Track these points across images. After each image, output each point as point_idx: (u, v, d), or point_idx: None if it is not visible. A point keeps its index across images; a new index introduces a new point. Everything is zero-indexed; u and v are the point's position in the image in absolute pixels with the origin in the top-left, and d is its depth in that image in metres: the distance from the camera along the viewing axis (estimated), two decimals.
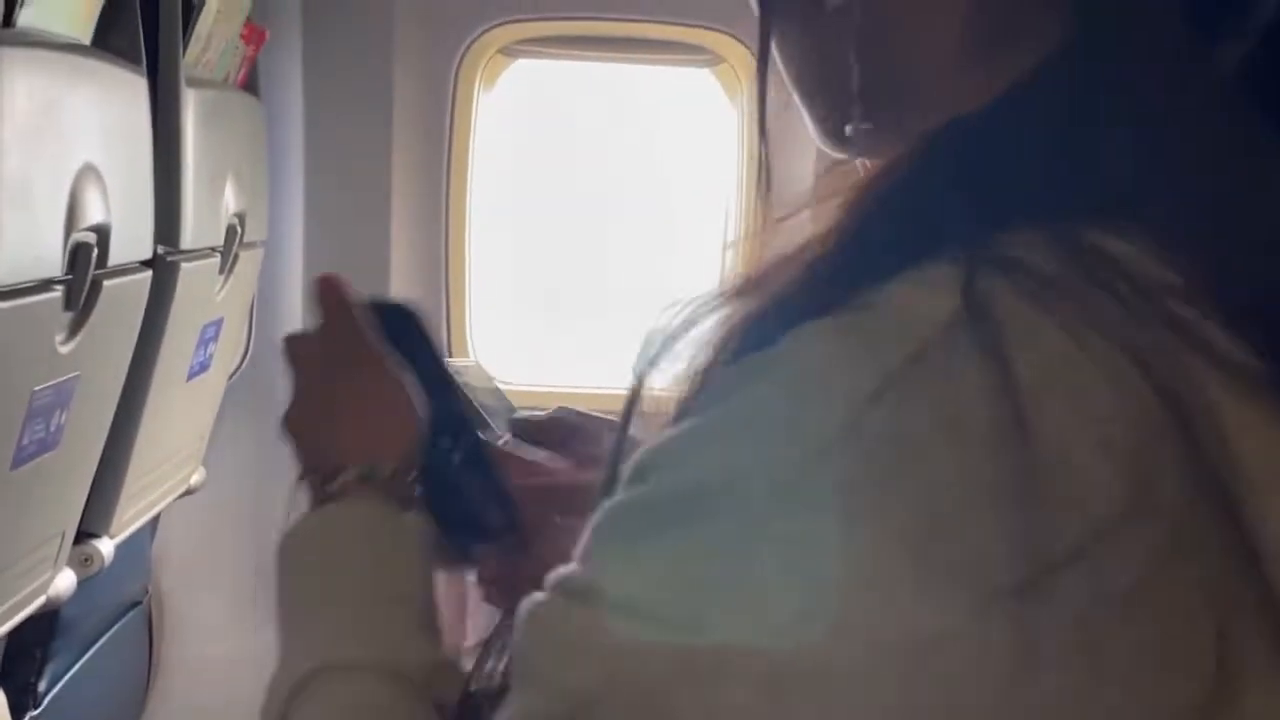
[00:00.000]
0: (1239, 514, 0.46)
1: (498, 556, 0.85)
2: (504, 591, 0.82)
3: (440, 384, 0.84)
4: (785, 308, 0.51)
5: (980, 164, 0.50)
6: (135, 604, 2.45)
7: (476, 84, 2.56)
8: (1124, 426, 0.45)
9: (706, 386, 0.53)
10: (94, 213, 1.59)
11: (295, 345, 0.87)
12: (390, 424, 0.81)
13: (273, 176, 2.48)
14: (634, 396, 0.59)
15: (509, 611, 0.61)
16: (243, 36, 2.26)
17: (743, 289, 0.55)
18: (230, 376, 2.52)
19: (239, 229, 2.24)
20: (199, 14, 2.03)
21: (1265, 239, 0.49)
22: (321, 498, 0.80)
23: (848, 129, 0.60)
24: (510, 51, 2.59)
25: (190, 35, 2.02)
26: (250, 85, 2.39)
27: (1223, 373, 0.47)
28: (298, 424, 0.84)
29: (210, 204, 2.10)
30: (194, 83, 2.02)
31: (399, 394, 0.81)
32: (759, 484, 0.47)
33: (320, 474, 0.80)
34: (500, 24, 2.52)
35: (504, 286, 2.76)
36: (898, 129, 0.58)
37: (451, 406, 0.84)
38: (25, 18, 1.46)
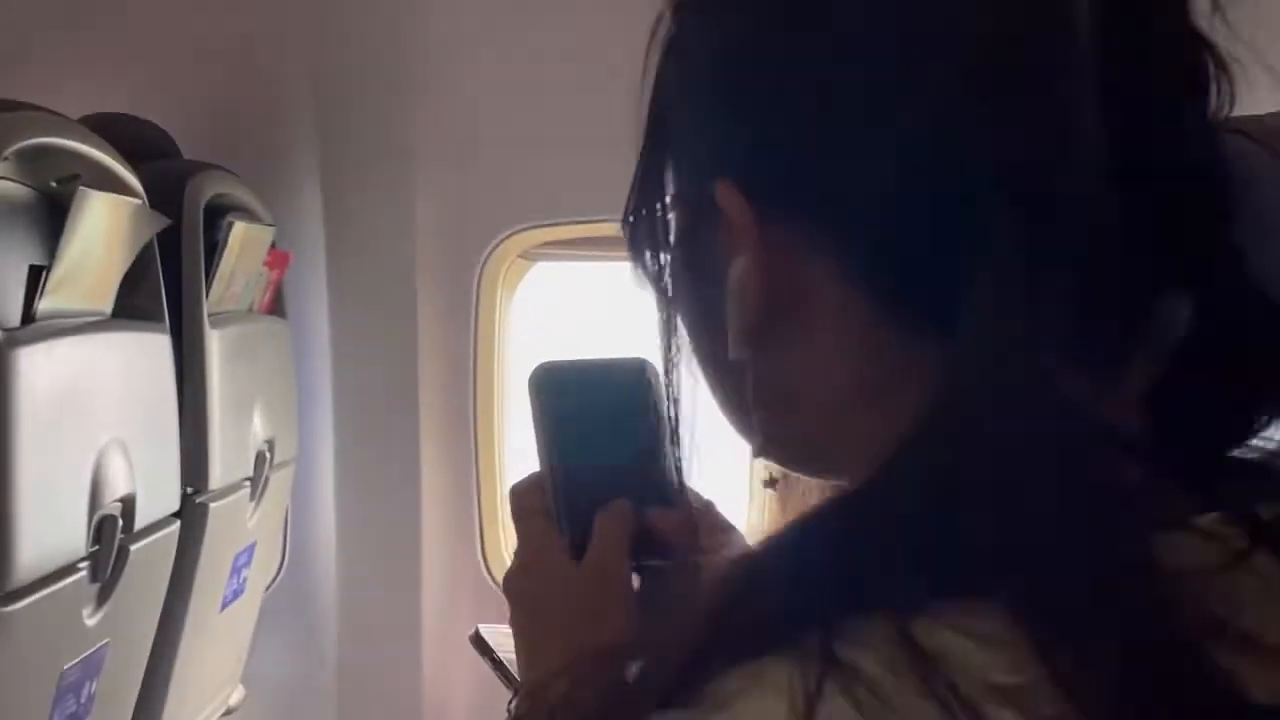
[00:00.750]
0: None
1: None
2: None
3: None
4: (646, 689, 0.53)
5: (835, 550, 0.51)
6: None
7: (499, 289, 2.60)
8: None
9: None
10: (119, 486, 1.61)
11: (517, 500, 0.85)
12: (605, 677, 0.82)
13: (302, 391, 2.52)
14: None
15: None
16: (266, 263, 2.30)
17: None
18: (266, 589, 2.53)
19: (268, 455, 2.27)
20: (221, 254, 2.08)
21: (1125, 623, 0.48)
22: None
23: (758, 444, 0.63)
24: (530, 255, 2.63)
25: (214, 276, 2.06)
26: (276, 306, 2.44)
27: None
28: (514, 598, 0.83)
29: (238, 437, 2.13)
30: (218, 322, 2.06)
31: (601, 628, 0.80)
32: None
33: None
34: (518, 231, 2.57)
35: None
36: (806, 452, 0.61)
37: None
38: (45, 305, 1.49)
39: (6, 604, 1.36)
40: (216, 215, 2.11)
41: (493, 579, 2.66)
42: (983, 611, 0.47)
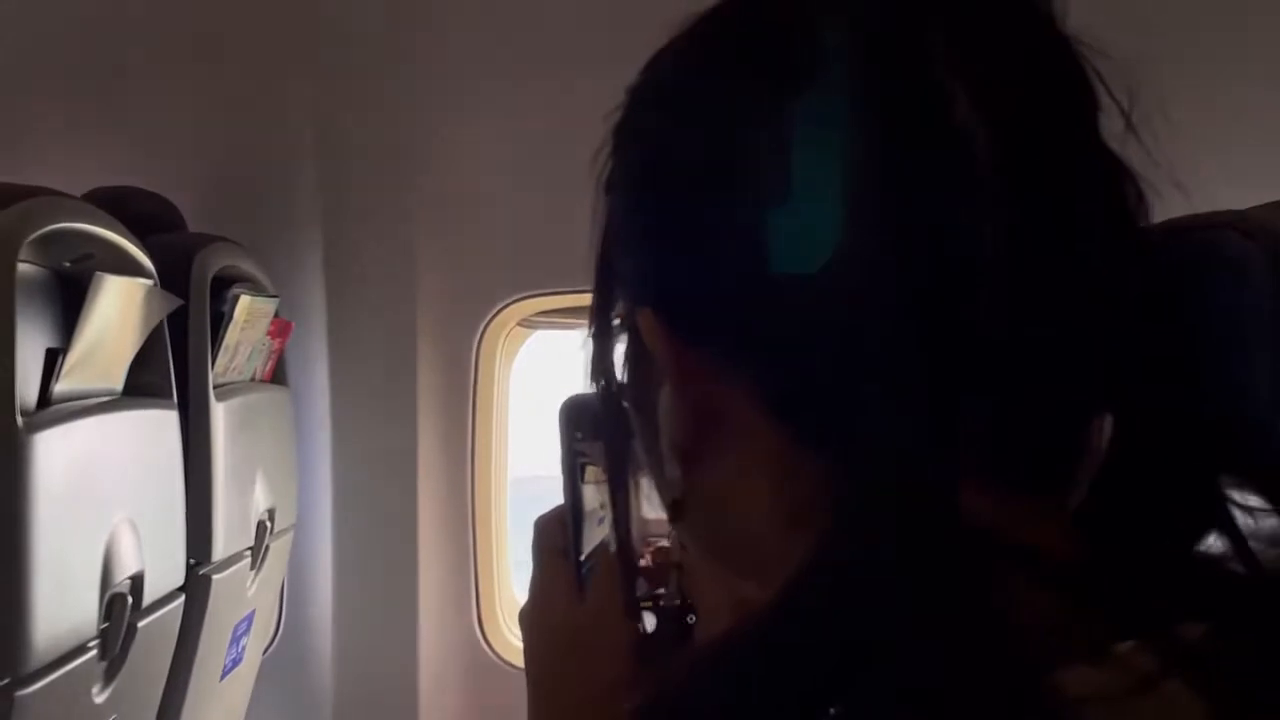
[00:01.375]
0: None
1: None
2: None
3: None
4: None
5: (739, 687, 0.50)
6: None
7: (497, 357, 2.63)
8: None
9: None
10: (129, 564, 1.63)
11: (538, 534, 0.86)
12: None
13: (301, 457, 2.54)
14: None
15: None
16: (269, 333, 2.32)
17: None
18: (263, 654, 2.54)
19: (269, 524, 2.28)
20: (227, 326, 2.10)
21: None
22: None
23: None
24: (529, 323, 2.65)
25: (219, 348, 2.08)
26: (277, 374, 2.46)
27: None
28: (524, 633, 0.85)
29: (241, 507, 2.15)
30: (222, 394, 2.08)
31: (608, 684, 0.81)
32: None
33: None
34: (517, 299, 2.59)
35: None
36: (729, 561, 0.63)
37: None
38: (61, 387, 1.51)
39: (22, 687, 1.37)
40: (221, 286, 2.13)
41: (489, 649, 2.67)
42: None
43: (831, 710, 0.48)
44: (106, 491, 1.60)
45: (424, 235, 2.57)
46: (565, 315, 2.65)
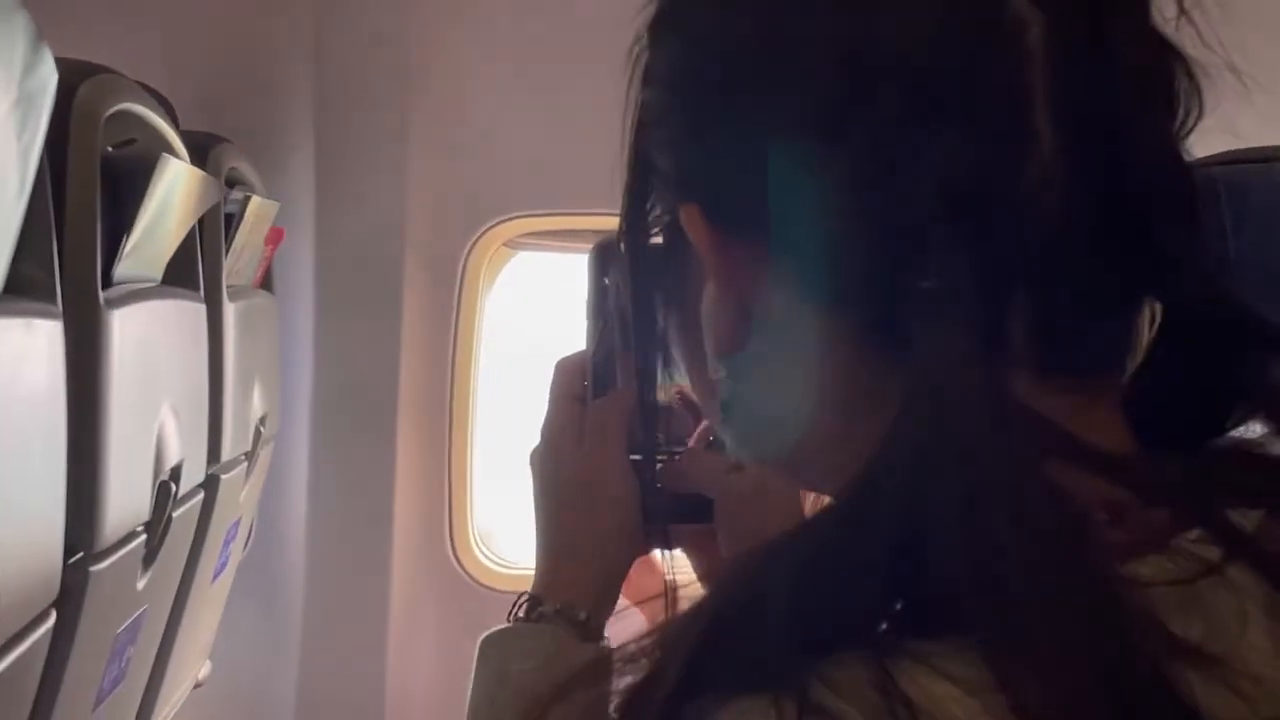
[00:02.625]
0: None
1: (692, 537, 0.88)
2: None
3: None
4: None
5: (805, 586, 0.49)
6: None
7: (481, 276, 2.63)
8: None
9: None
10: (173, 454, 1.62)
11: (557, 378, 0.86)
12: (599, 565, 0.84)
13: (283, 367, 2.52)
14: None
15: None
16: (264, 239, 2.30)
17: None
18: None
19: (261, 430, 2.27)
20: (236, 227, 2.08)
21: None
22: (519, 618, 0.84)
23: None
24: (514, 244, 2.66)
25: (230, 249, 2.06)
26: (266, 281, 2.44)
27: None
28: (533, 475, 0.86)
29: (242, 411, 2.13)
30: (233, 295, 2.06)
31: (619, 521, 0.83)
32: None
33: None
34: (504, 220, 2.60)
35: (510, 473, 2.80)
36: (782, 466, 0.64)
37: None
38: (119, 270, 1.50)
39: (94, 563, 1.37)
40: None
41: (460, 568, 2.68)
42: (962, 653, 0.46)
43: (899, 603, 0.49)
44: (157, 378, 1.58)
45: (416, 150, 2.55)
46: (551, 238, 2.66)
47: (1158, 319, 0.55)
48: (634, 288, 0.69)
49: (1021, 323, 0.50)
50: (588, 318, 0.86)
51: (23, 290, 1.07)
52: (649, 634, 0.55)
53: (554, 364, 0.88)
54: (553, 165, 2.52)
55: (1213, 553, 0.48)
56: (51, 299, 1.15)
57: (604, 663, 0.67)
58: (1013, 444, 0.48)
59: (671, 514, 0.85)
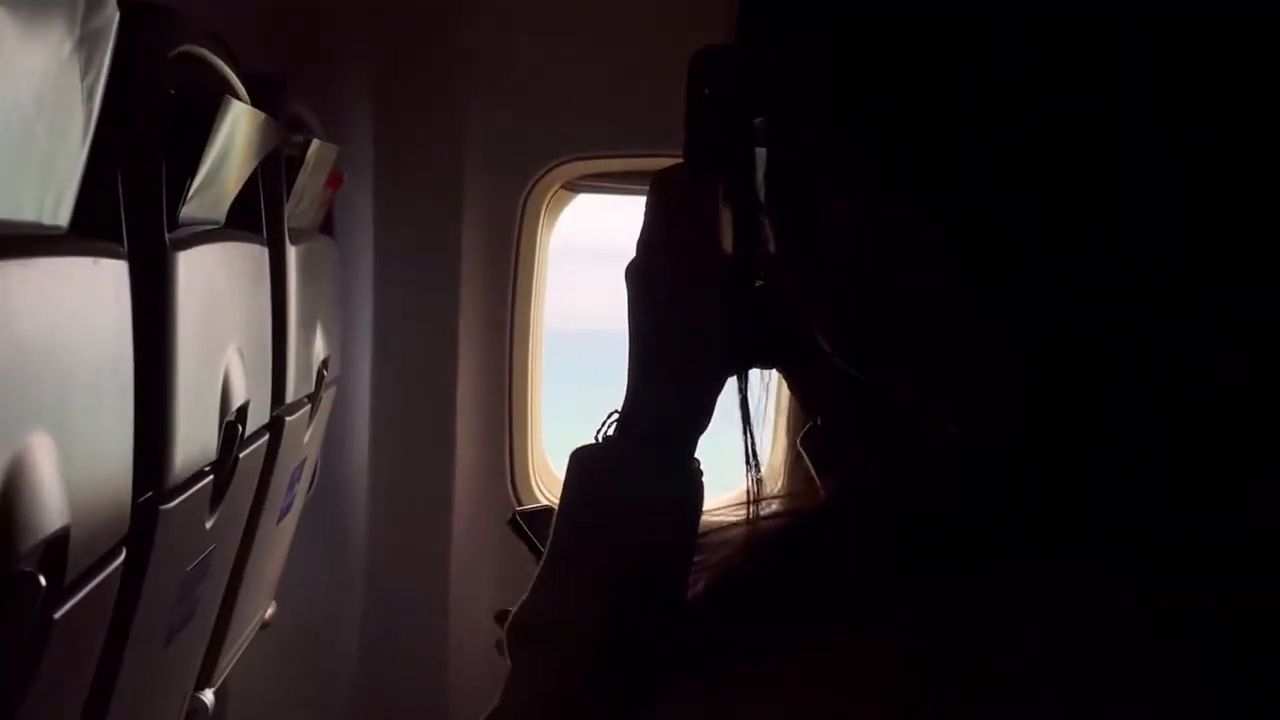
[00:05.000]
0: None
1: None
2: None
3: None
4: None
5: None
6: None
7: (541, 218, 2.63)
8: None
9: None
10: (239, 394, 1.63)
11: (660, 183, 0.80)
12: (689, 386, 0.80)
13: (343, 313, 2.53)
14: None
15: None
16: (325, 183, 2.31)
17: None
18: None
19: (324, 373, 2.28)
20: (298, 171, 2.08)
21: None
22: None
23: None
24: (573, 186, 2.66)
25: (292, 191, 2.07)
26: (326, 226, 2.45)
27: None
28: (633, 284, 0.80)
29: (305, 354, 2.15)
30: (294, 237, 2.07)
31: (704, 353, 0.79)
32: None
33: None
34: (564, 161, 2.59)
35: (569, 415, 2.81)
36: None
37: None
38: (184, 212, 1.50)
39: (164, 502, 1.38)
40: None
41: (520, 505, 2.70)
42: None
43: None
44: (222, 320, 1.59)
45: (476, 91, 2.55)
46: (611, 180, 2.65)
47: None
48: (738, 200, 0.67)
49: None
50: (687, 129, 0.83)
51: (89, 230, 1.08)
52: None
53: (655, 173, 0.82)
54: (611, 106, 2.51)
55: None
56: (118, 239, 1.15)
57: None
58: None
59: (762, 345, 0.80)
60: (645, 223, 0.81)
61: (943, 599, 0.49)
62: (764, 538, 0.58)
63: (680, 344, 0.79)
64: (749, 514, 0.73)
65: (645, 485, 0.75)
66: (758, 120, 0.66)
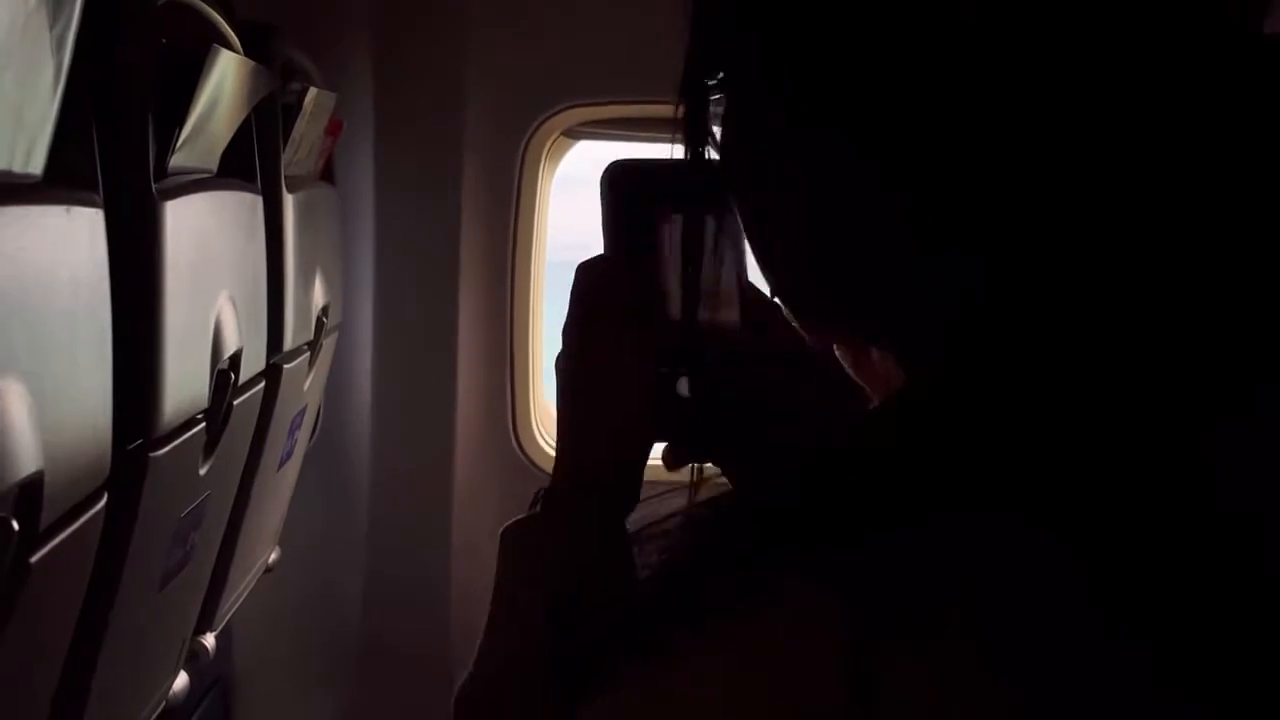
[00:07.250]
0: None
1: None
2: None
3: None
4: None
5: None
6: (215, 681, 2.50)
7: (541, 164, 2.63)
8: None
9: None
10: (231, 342, 1.64)
11: (583, 278, 0.83)
12: (611, 453, 0.82)
13: (345, 260, 2.54)
14: None
15: None
16: (324, 130, 2.31)
17: None
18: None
19: (324, 320, 2.29)
20: (295, 119, 2.08)
21: None
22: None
23: None
24: (574, 133, 2.65)
25: (289, 140, 2.07)
26: (326, 174, 2.45)
27: None
28: (560, 377, 0.84)
29: (304, 302, 2.16)
30: (291, 186, 2.08)
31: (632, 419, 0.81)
32: None
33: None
34: (565, 108, 2.59)
35: None
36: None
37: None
38: (174, 161, 1.51)
39: (155, 449, 1.40)
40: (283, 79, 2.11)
41: (523, 453, 2.72)
42: None
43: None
44: (214, 268, 1.60)
45: (476, 36, 2.54)
46: (612, 127, 2.65)
47: None
48: (692, 161, 0.67)
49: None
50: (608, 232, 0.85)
51: (63, 178, 1.09)
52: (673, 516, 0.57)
53: (577, 267, 0.85)
54: (611, 53, 2.50)
55: None
56: (93, 187, 1.16)
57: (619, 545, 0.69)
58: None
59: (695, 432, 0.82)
60: (569, 315, 0.83)
61: (882, 556, 0.50)
62: (699, 522, 0.58)
63: (590, 420, 0.81)
64: (689, 499, 0.74)
65: (570, 548, 0.79)
66: (712, 83, 0.66)
